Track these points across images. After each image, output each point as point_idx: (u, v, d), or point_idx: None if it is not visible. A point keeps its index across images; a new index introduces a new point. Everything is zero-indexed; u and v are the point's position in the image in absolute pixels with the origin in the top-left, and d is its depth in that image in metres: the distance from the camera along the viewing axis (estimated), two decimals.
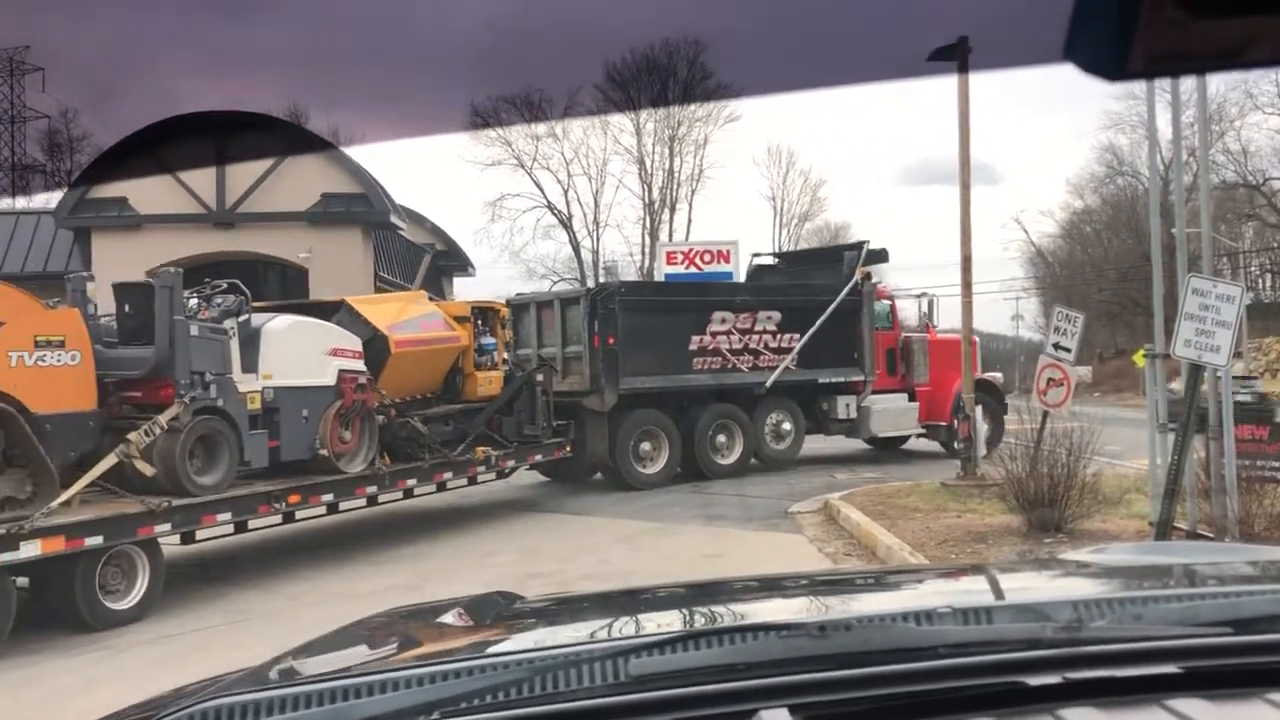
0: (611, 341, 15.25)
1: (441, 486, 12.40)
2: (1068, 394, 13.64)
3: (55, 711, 6.19)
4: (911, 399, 17.95)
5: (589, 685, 1.35)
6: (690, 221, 47.49)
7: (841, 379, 17.05)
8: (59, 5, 64.72)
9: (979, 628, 1.52)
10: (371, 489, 11.05)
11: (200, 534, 9.40)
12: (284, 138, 23.77)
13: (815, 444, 17.88)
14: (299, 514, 10.50)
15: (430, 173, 75.07)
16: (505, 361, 13.83)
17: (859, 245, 18.02)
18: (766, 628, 1.49)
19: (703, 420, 16.02)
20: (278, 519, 10.18)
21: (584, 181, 46.43)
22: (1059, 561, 2.70)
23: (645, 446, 15.66)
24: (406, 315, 12.14)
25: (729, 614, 1.95)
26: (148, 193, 21.54)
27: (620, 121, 45.56)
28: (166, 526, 8.62)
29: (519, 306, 16.64)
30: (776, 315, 16.60)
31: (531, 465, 15.05)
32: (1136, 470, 12.60)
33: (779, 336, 16.60)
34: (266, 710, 1.36)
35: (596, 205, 46.65)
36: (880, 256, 18.44)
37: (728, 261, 26.96)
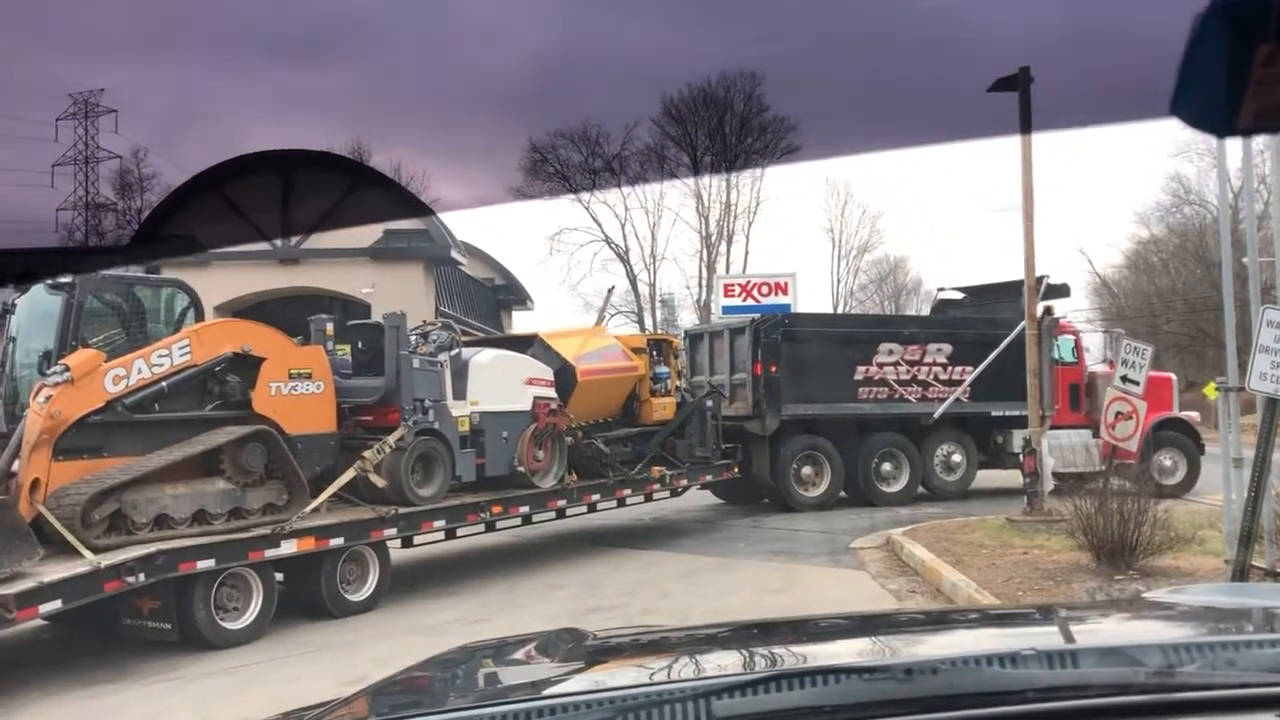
0: (774, 369, 15.91)
1: (622, 502, 13.51)
2: (1137, 427, 13.38)
3: None
4: (1095, 435, 17.23)
5: None
6: (747, 254, 47.40)
7: (1017, 413, 16.84)
8: (132, 52, 66.72)
9: (1067, 671, 1.49)
10: (561, 502, 12.27)
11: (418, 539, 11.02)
12: (350, 180, 24.14)
13: (988, 477, 17.67)
14: (499, 524, 11.76)
15: (489, 207, 75.84)
16: (678, 388, 14.79)
17: (1039, 280, 17.90)
18: (851, 670, 1.47)
19: (867, 448, 16.38)
20: (481, 527, 11.45)
21: (641, 215, 46.64)
22: (1138, 602, 2.64)
23: (807, 471, 16.25)
24: (591, 347, 13.35)
25: (809, 655, 1.92)
26: None
27: (677, 155, 45.74)
28: (393, 531, 10.07)
29: (695, 336, 17.92)
30: (947, 347, 16.81)
31: (703, 485, 15.59)
32: (1210, 506, 12.28)
33: (950, 369, 16.78)
34: None
35: (654, 238, 46.82)
36: (1061, 291, 18.26)
37: (786, 294, 26.81)
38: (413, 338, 11.05)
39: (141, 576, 7.95)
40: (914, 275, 62.42)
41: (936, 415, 16.52)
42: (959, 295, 20.24)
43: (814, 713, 1.34)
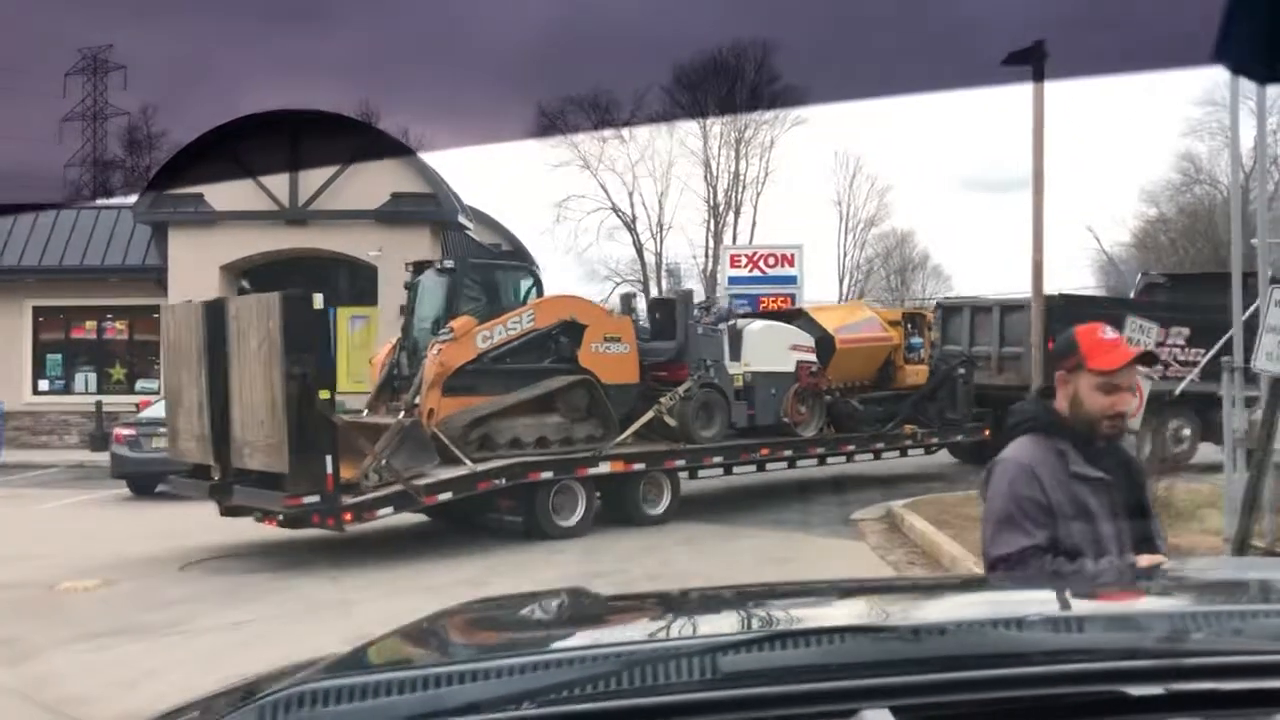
0: (1051, 346, 16.13)
1: (876, 455, 15.34)
2: (1140, 405, 13.35)
3: (128, 693, 6.32)
4: None
5: (682, 680, 1.34)
6: (754, 224, 47.08)
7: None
8: (139, 8, 66.32)
9: (1074, 635, 1.49)
10: (821, 450, 14.32)
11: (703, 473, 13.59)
12: (356, 140, 24.17)
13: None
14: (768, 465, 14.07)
15: (496, 174, 75.55)
16: (930, 357, 16.53)
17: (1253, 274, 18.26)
18: (859, 629, 1.48)
19: None
20: (752, 467, 13.94)
21: (649, 184, 46.36)
22: (1140, 573, 2.65)
23: None
24: (850, 320, 15.74)
25: (815, 616, 1.93)
26: (223, 190, 21.92)
27: (687, 124, 45.42)
28: (682, 462, 12.84)
29: (950, 309, 19.17)
30: (1186, 331, 17.80)
31: (952, 447, 17.02)
32: (1210, 485, 12.29)
33: (1187, 350, 17.73)
34: (361, 694, 1.37)
35: (661, 207, 46.54)
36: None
37: (792, 265, 26.73)
38: (697, 310, 13.82)
39: (503, 480, 11.11)
40: (921, 249, 62.02)
41: (1178, 392, 17.03)
42: (1163, 280, 21.01)
43: (821, 670, 1.34)
